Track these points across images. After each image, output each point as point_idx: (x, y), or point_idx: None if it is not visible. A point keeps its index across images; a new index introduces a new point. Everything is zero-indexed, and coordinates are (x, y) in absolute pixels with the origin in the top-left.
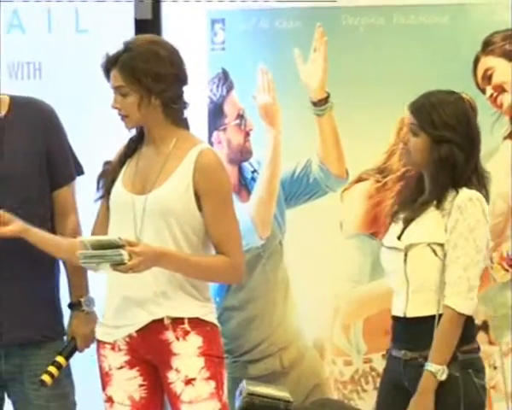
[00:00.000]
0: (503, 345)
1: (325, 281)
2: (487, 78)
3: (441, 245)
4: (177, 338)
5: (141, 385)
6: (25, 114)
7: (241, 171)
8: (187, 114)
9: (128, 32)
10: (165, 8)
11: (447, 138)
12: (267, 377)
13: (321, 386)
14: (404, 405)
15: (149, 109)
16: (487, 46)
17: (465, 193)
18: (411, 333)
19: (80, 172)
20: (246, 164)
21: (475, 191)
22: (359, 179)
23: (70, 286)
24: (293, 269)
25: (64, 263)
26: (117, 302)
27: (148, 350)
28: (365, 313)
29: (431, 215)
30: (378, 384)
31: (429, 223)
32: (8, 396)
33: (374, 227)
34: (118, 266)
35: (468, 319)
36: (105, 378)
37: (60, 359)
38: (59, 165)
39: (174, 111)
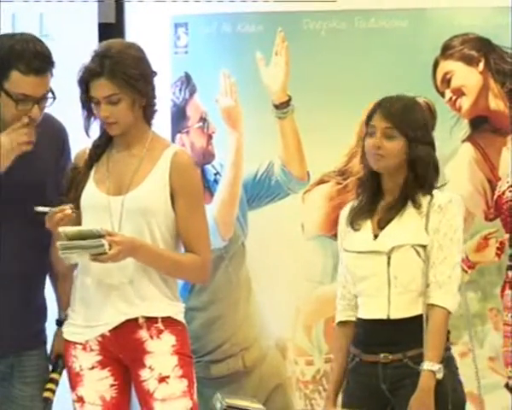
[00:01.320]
0: (460, 345)
1: (287, 282)
2: (446, 81)
3: (423, 247)
4: (151, 337)
5: (112, 385)
6: (48, 129)
7: (203, 173)
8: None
9: (91, 36)
10: (129, 12)
11: (424, 140)
12: (229, 376)
13: (283, 386)
14: (380, 408)
15: (137, 112)
16: (446, 50)
17: (444, 195)
18: (395, 335)
19: None
20: (208, 166)
21: (450, 194)
22: (320, 181)
23: (60, 303)
24: (256, 270)
25: (53, 281)
26: (88, 302)
27: (121, 349)
28: (326, 314)
29: (410, 217)
30: None
31: (410, 224)
32: None
33: (335, 229)
34: (98, 255)
35: None
36: (75, 378)
37: (55, 375)
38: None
39: (152, 111)
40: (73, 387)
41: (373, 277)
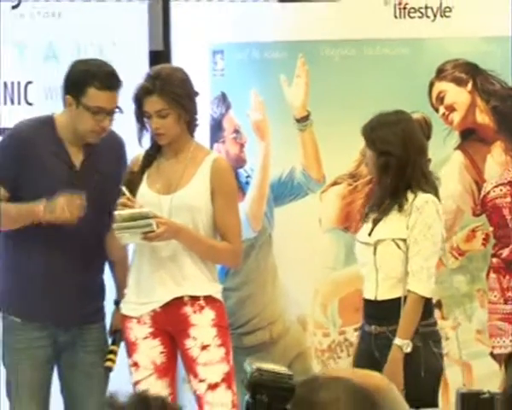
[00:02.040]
0: (451, 320)
1: (307, 267)
2: (440, 99)
3: (403, 240)
4: (195, 312)
5: (161, 352)
6: (106, 142)
7: (237, 176)
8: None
9: (143, 62)
10: (174, 41)
11: (383, 151)
12: (258, 346)
13: (303, 354)
14: (374, 371)
15: (181, 125)
16: (440, 73)
17: (422, 197)
18: (380, 312)
19: None
20: (241, 170)
21: (430, 195)
22: (335, 183)
23: (117, 286)
24: (280, 257)
25: (111, 267)
26: (142, 283)
27: (169, 322)
28: (340, 294)
29: (394, 216)
30: (351, 352)
31: (392, 222)
32: (58, 367)
33: (346, 223)
34: (147, 234)
35: (428, 299)
36: (131, 347)
37: (114, 347)
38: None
39: (194, 124)
40: (130, 354)
41: (367, 264)
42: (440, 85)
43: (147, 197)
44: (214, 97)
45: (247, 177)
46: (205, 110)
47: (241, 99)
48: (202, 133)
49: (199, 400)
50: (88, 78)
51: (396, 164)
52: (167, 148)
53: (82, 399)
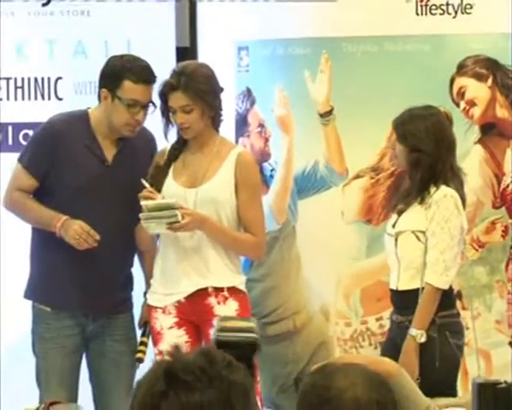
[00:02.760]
0: (472, 310)
1: (329, 258)
2: (461, 94)
3: (423, 232)
4: (218, 303)
5: (186, 341)
6: (139, 138)
7: (261, 169)
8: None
9: (170, 58)
10: (201, 37)
11: (416, 148)
12: (282, 335)
13: (326, 343)
14: (397, 357)
15: (206, 120)
16: (461, 69)
17: (442, 190)
18: (401, 302)
19: None
20: (265, 164)
21: (450, 189)
22: (357, 176)
23: (146, 277)
24: (304, 249)
25: (140, 259)
26: (167, 273)
27: (194, 313)
28: (362, 284)
29: (415, 208)
30: (373, 342)
31: (413, 215)
32: (86, 355)
33: (368, 215)
34: (172, 224)
35: (448, 290)
36: (157, 336)
37: (144, 339)
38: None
39: (219, 120)
40: (155, 343)
41: (391, 254)
42: (461, 81)
43: (172, 190)
44: (239, 93)
45: (272, 170)
46: (230, 105)
47: (266, 94)
48: (228, 128)
49: None
50: (124, 71)
51: (427, 161)
52: (193, 142)
53: (110, 387)
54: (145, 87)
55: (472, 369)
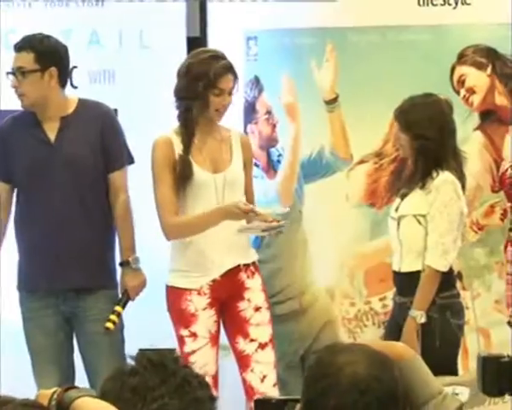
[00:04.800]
0: (472, 290)
1: (335, 241)
2: (461, 82)
3: (424, 216)
4: (248, 277)
5: (215, 321)
6: (86, 113)
7: (269, 155)
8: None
9: (181, 48)
10: (211, 27)
11: (420, 136)
12: (289, 314)
13: (331, 322)
14: (399, 337)
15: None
16: (461, 58)
17: (442, 176)
18: (403, 284)
19: (131, 161)
20: (273, 149)
21: (451, 175)
22: (361, 161)
23: (120, 248)
24: (310, 231)
25: (114, 230)
26: (202, 256)
27: (227, 289)
28: (365, 266)
29: (417, 193)
30: (376, 321)
31: (415, 199)
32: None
33: (372, 199)
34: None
35: (448, 272)
36: (190, 318)
37: (118, 308)
38: (113, 154)
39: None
40: (187, 325)
41: (394, 238)
42: (461, 69)
43: (202, 177)
44: (248, 81)
45: (279, 156)
46: (239, 93)
47: (273, 82)
48: (236, 115)
49: (245, 359)
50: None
51: (431, 147)
52: (203, 128)
53: (94, 368)
54: (15, 54)
55: (472, 347)
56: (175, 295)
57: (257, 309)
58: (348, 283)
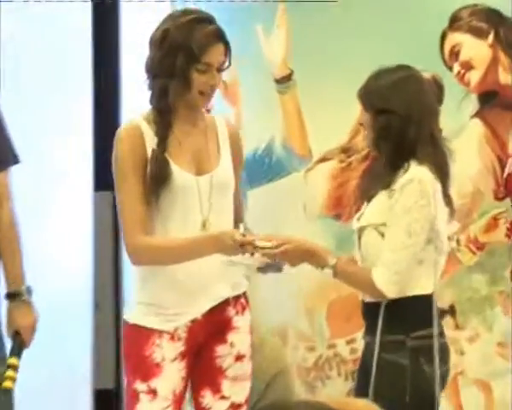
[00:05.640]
0: (468, 330)
1: (287, 265)
2: (454, 54)
3: (385, 225)
4: (237, 313)
5: (183, 378)
6: None
7: None
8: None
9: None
10: None
11: (382, 109)
12: None
13: (283, 373)
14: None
15: None
16: (454, 22)
17: (409, 173)
18: (367, 317)
19: (16, 161)
20: None
21: (420, 170)
22: (323, 159)
23: (6, 275)
24: None
25: None
26: (179, 288)
27: (209, 331)
28: (328, 298)
29: (380, 196)
30: (343, 371)
31: (377, 204)
32: None
33: (338, 209)
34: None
35: (424, 301)
36: (153, 369)
37: (13, 360)
38: None
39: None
40: (146, 377)
41: (357, 257)
42: (454, 37)
43: (182, 180)
44: None
45: None
46: None
47: None
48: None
49: None
50: None
51: (397, 125)
52: (184, 115)
53: None
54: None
55: (468, 405)
56: (137, 337)
57: (238, 358)
58: (305, 320)
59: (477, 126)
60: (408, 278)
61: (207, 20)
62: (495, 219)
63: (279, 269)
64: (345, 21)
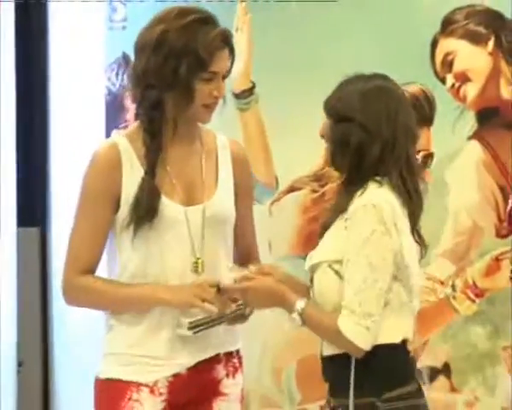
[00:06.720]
0: (466, 393)
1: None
2: (448, 64)
3: (340, 262)
4: (227, 375)
5: None
6: None
7: None
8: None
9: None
10: None
11: (342, 116)
12: None
13: None
14: None
15: None
16: (448, 25)
17: (364, 197)
18: (328, 376)
19: None
20: None
21: (377, 193)
22: (291, 189)
23: None
24: None
25: None
26: (159, 334)
27: (192, 391)
28: (298, 355)
29: (336, 225)
30: None
31: (331, 236)
32: None
33: (309, 247)
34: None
35: (400, 355)
36: None
37: None
38: None
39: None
40: None
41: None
42: (448, 44)
43: (170, 212)
44: (112, 61)
45: None
46: (98, 80)
47: None
48: (95, 114)
49: None
50: None
51: (359, 137)
52: (181, 133)
53: None
54: None
55: None
56: (112, 392)
57: None
58: (272, 381)
59: (475, 150)
60: (375, 320)
61: (211, 20)
62: (497, 260)
63: (243, 315)
64: (320, 22)
